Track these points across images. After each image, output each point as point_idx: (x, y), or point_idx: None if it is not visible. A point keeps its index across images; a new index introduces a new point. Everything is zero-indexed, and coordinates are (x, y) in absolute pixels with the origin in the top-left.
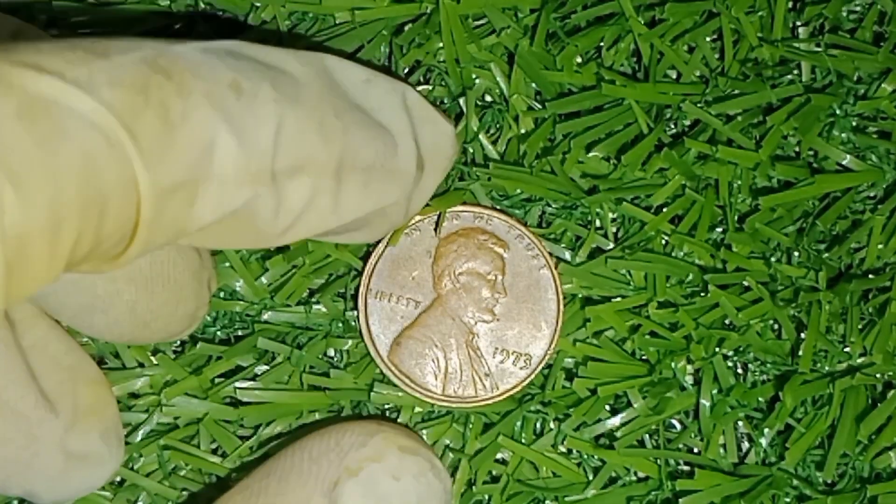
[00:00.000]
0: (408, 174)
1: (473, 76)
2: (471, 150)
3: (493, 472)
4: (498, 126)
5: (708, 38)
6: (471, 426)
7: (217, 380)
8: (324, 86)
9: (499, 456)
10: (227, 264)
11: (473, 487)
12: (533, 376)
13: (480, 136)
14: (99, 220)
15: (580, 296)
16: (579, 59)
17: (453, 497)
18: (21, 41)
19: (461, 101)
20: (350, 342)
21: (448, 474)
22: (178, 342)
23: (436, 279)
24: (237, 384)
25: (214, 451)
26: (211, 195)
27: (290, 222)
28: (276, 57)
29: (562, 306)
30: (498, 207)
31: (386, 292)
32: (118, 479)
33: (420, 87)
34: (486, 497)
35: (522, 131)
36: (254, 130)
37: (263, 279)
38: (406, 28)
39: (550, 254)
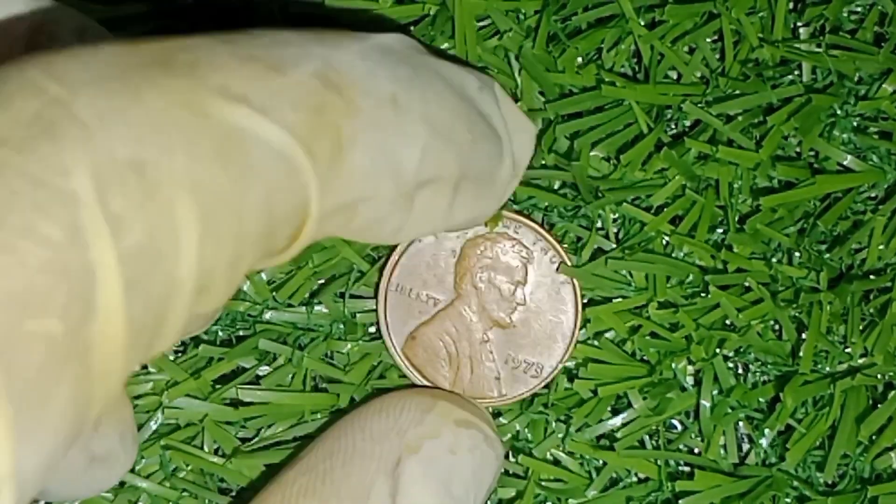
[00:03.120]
0: (505, 184)
1: None
2: None
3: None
4: None
5: (708, 39)
6: None
7: (218, 381)
8: (460, 98)
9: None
10: None
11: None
12: (542, 385)
13: None
14: (268, 243)
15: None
16: (580, 61)
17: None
18: (200, 49)
19: None
20: (349, 344)
21: (500, 440)
22: (180, 343)
23: (457, 279)
24: (238, 386)
25: (216, 453)
26: (365, 212)
27: (407, 227)
28: (423, 58)
29: (579, 321)
30: (526, 213)
31: (406, 286)
32: (119, 481)
33: None
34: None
35: None
36: (405, 152)
37: (265, 277)
38: (411, 30)
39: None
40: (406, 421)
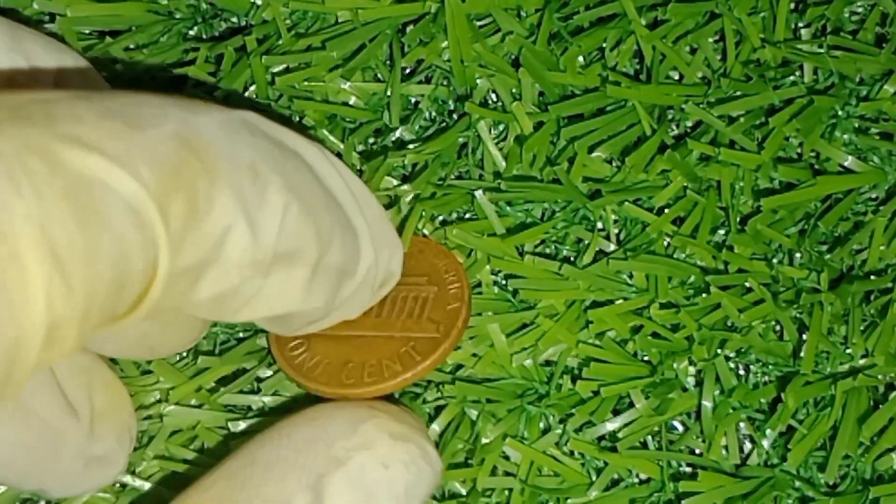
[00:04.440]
0: (372, 281)
1: (476, 76)
2: (477, 155)
3: (498, 472)
4: (502, 129)
5: (710, 40)
6: (478, 424)
7: (217, 385)
8: (315, 177)
9: (505, 455)
10: None
11: (478, 487)
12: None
13: (489, 145)
14: (118, 298)
15: (584, 299)
16: (582, 61)
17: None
18: (59, 103)
19: (461, 104)
20: None
21: (438, 457)
22: None
23: None
24: (238, 390)
25: (216, 457)
26: (212, 276)
27: (256, 300)
28: (284, 135)
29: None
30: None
31: None
32: (119, 484)
33: (422, 87)
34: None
35: (525, 133)
36: (264, 219)
37: None
38: (409, 28)
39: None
40: (335, 432)
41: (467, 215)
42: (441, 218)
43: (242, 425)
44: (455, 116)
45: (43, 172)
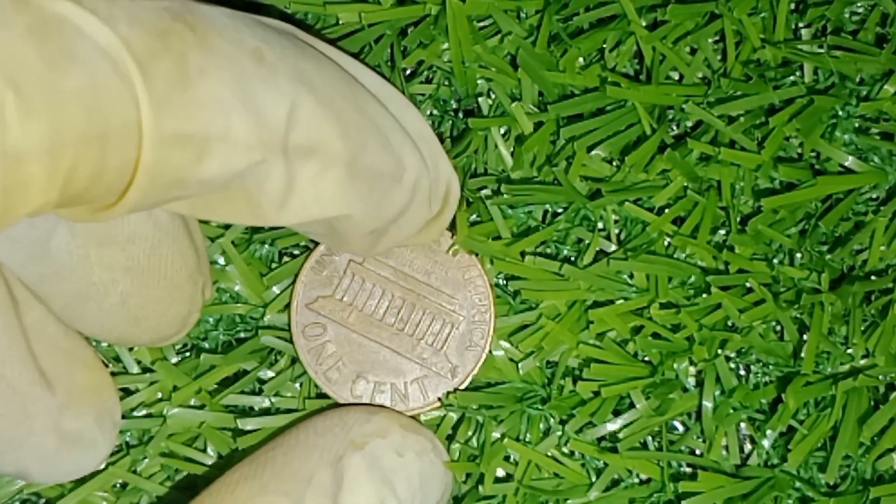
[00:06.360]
0: (416, 199)
1: (477, 76)
2: (483, 157)
3: (499, 474)
4: (504, 130)
5: (710, 40)
6: (483, 426)
7: (218, 386)
8: (348, 82)
9: (507, 456)
10: (231, 266)
11: (480, 488)
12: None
13: (499, 146)
14: (100, 154)
15: (585, 299)
16: (581, 61)
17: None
18: None
19: (458, 106)
20: None
21: (447, 454)
22: (181, 347)
23: None
24: (239, 392)
25: (217, 457)
26: (220, 153)
27: (293, 198)
28: (306, 37)
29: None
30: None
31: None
32: (120, 482)
33: (424, 87)
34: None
35: (525, 133)
36: (269, 101)
37: (266, 281)
38: (410, 30)
39: None
40: (352, 419)
41: (471, 216)
42: None
43: (245, 425)
44: (458, 115)
45: (8, 9)
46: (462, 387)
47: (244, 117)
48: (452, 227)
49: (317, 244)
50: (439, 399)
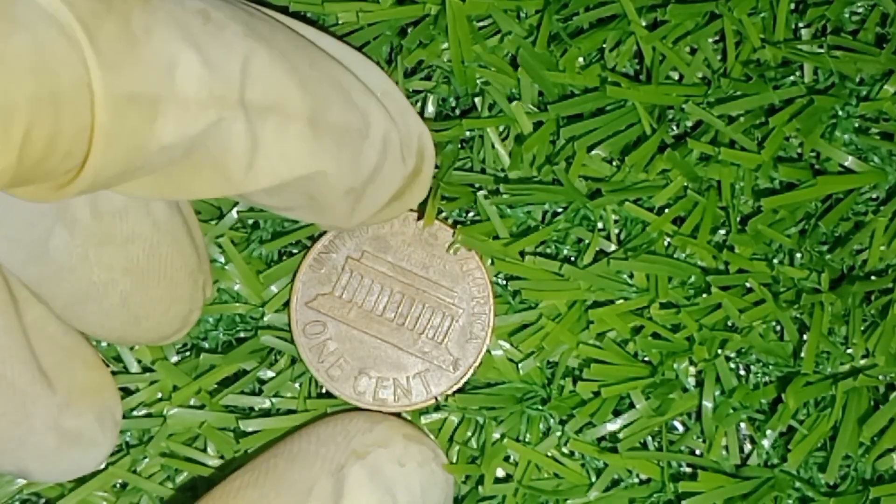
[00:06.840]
0: (389, 155)
1: (477, 76)
2: (480, 156)
3: (499, 474)
4: (502, 129)
5: (710, 40)
6: (483, 427)
7: (218, 386)
8: (301, 40)
9: (506, 456)
10: (230, 265)
11: (480, 488)
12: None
13: (496, 145)
14: (54, 116)
15: (585, 299)
16: (581, 61)
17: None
18: None
19: (456, 104)
20: None
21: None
22: (181, 346)
23: None
24: (240, 391)
25: (217, 457)
26: (173, 113)
27: (259, 156)
28: (257, 4)
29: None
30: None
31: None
32: (120, 482)
33: (424, 83)
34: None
35: (525, 133)
36: (219, 55)
37: (263, 279)
38: (410, 30)
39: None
40: (355, 428)
41: (470, 214)
42: (443, 215)
43: (247, 427)
44: (457, 112)
45: None
46: (464, 379)
47: (193, 74)
48: (422, 207)
49: (314, 242)
50: (436, 398)
